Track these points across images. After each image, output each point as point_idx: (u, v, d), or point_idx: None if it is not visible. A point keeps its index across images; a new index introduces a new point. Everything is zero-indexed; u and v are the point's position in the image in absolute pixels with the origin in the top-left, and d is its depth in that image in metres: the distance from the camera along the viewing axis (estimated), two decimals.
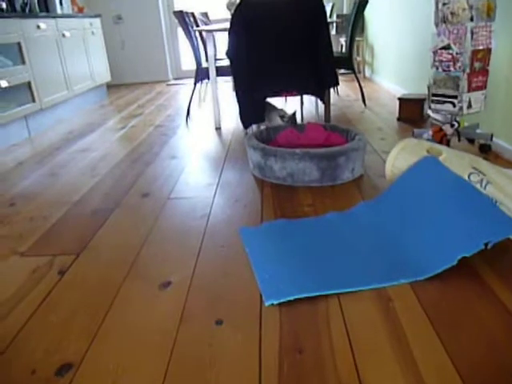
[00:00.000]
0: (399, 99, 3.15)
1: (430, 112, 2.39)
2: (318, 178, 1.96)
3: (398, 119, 3.17)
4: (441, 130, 2.34)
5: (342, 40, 5.38)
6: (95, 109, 4.41)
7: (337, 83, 2.73)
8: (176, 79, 6.14)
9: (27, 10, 3.90)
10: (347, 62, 3.54)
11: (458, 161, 1.60)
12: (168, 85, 5.70)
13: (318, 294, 1.20)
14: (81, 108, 4.39)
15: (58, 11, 4.42)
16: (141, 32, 5.84)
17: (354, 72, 3.60)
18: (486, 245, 1.25)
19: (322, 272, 1.30)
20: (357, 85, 3.82)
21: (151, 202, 1.95)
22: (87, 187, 2.20)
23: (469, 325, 1.07)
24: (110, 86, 5.73)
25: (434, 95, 2.32)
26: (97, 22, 4.82)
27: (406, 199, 1.58)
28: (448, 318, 1.10)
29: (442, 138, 2.34)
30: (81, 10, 5.10)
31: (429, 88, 2.35)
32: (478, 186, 1.49)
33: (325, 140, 2.36)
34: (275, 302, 1.18)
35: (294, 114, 2.64)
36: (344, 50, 5.32)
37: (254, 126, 2.83)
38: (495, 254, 1.37)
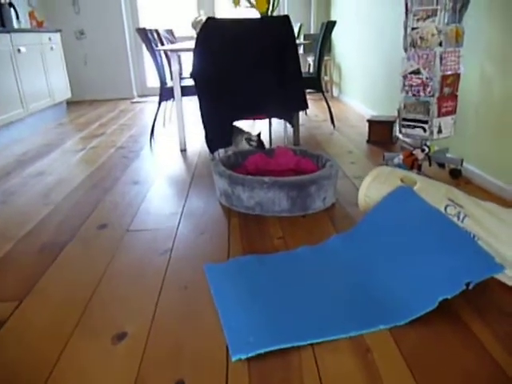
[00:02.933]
0: (368, 121, 3.11)
1: (399, 135, 2.34)
2: (288, 207, 1.86)
3: (368, 141, 3.13)
4: (412, 154, 2.30)
5: (310, 59, 5.38)
6: (53, 128, 4.18)
7: (306, 107, 2.66)
8: (141, 96, 5.97)
9: None
10: (315, 82, 3.50)
11: (433, 191, 1.54)
12: (132, 102, 5.52)
13: (290, 345, 1.09)
14: (37, 127, 4.15)
15: (15, 25, 4.21)
16: (104, 48, 5.66)
17: (323, 93, 3.57)
18: (468, 285, 1.18)
19: (295, 318, 1.18)
20: (325, 104, 3.78)
21: (108, 235, 1.80)
22: (39, 217, 2.02)
23: (452, 376, 0.98)
24: (70, 103, 5.50)
25: (405, 119, 2.28)
26: (56, 36, 4.62)
27: (381, 233, 1.49)
28: (430, 368, 1.01)
29: (413, 163, 2.29)
30: (40, 24, 4.89)
31: (399, 112, 2.31)
32: (455, 219, 1.43)
33: (295, 165, 2.27)
34: (243, 357, 1.06)
35: (259, 135, 2.53)
36: (312, 69, 5.32)
37: (221, 150, 2.71)
38: (476, 293, 1.29)
